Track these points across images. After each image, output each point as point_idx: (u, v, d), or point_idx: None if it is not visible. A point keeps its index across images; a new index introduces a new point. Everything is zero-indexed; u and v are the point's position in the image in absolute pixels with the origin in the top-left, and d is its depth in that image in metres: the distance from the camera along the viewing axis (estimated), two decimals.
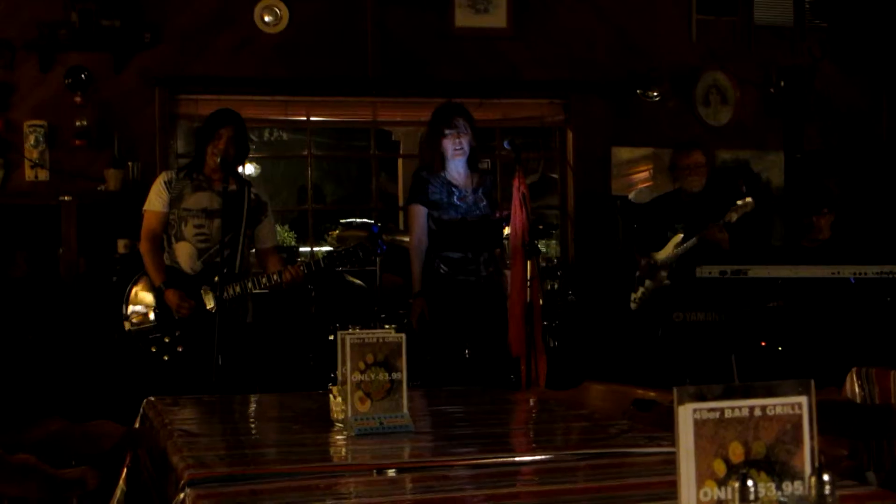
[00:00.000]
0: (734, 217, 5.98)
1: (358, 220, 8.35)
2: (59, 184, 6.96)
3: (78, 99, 7.02)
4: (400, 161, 8.41)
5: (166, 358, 4.98)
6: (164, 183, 5.14)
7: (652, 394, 3.48)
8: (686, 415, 1.38)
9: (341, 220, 8.22)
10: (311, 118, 7.70)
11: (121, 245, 6.80)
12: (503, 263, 5.78)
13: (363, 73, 7.48)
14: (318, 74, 7.42)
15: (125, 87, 7.17)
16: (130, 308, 5.09)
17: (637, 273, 6.38)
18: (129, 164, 7.03)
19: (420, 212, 5.48)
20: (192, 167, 5.22)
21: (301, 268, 5.03)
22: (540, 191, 8.75)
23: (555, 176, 8.20)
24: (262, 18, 7.34)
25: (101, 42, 7.00)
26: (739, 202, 6.08)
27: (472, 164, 5.54)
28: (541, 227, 7.09)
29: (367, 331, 2.82)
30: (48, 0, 7.03)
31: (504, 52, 7.69)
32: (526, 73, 7.70)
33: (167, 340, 4.98)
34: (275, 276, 4.96)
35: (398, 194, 8.37)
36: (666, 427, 2.21)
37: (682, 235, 6.16)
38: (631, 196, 7.66)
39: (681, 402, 1.38)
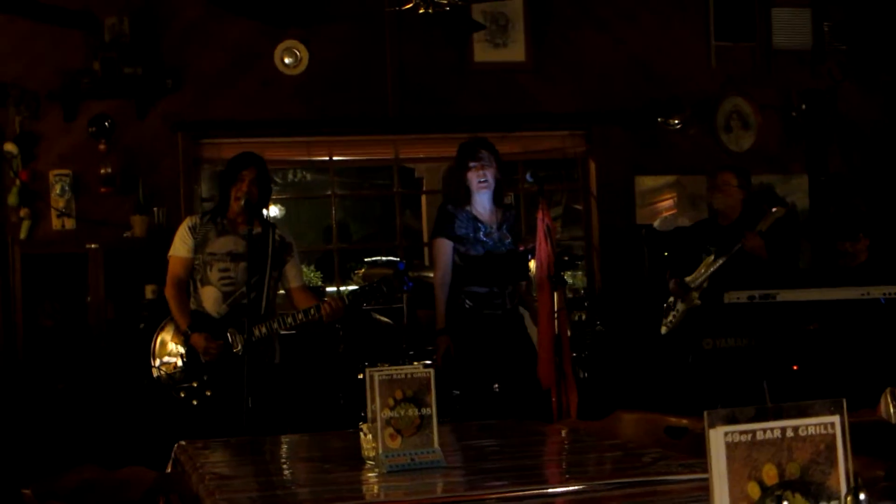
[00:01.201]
0: (766, 225, 5.94)
1: (383, 258, 8.38)
2: (85, 232, 7.01)
3: (102, 146, 7.06)
4: (423, 198, 8.47)
5: (195, 402, 4.96)
6: (189, 228, 5.14)
7: (684, 421, 3.44)
8: (718, 438, 1.37)
9: (366, 259, 8.28)
10: (334, 157, 7.70)
11: (148, 291, 6.82)
12: (529, 297, 5.76)
13: (384, 112, 7.51)
14: (339, 114, 7.45)
15: (148, 133, 7.21)
16: (158, 353, 5.08)
17: (669, 298, 6.31)
18: (155, 209, 7.07)
19: (446, 246, 5.48)
20: (216, 211, 5.22)
21: (343, 299, 5.03)
22: (564, 222, 8.79)
23: (578, 207, 8.17)
24: (283, 60, 7.36)
25: (124, 89, 7.06)
26: (773, 209, 6.08)
27: (497, 198, 5.55)
28: (566, 258, 7.13)
29: (396, 367, 2.81)
30: (70, 49, 7.09)
31: (524, 86, 7.70)
32: (546, 105, 7.71)
33: (195, 385, 4.96)
34: (312, 311, 4.95)
35: (422, 231, 8.40)
36: (699, 454, 2.19)
37: (713, 256, 6.10)
38: (656, 224, 7.63)
39: (712, 426, 1.36)
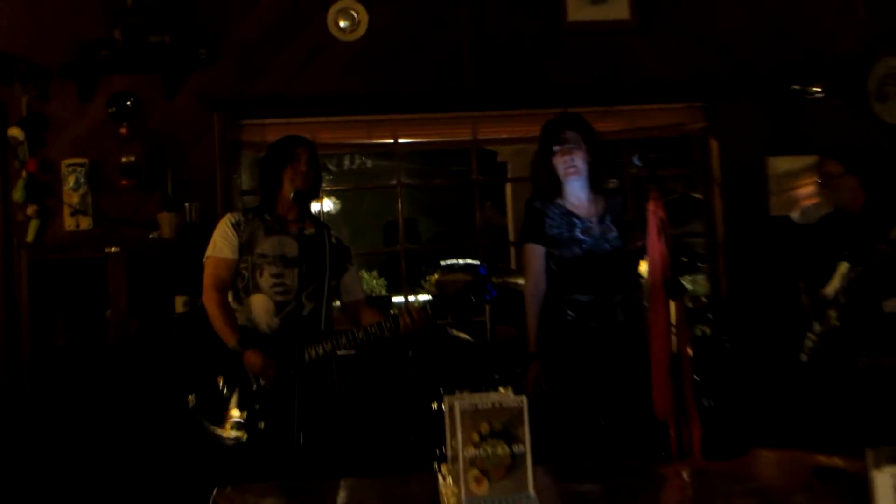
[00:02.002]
0: None
1: (461, 260, 8.38)
2: (104, 233, 7.06)
3: (124, 130, 7.12)
4: (508, 187, 8.41)
5: (244, 437, 4.96)
6: (232, 224, 5.21)
7: (837, 460, 3.36)
8: (884, 482, 1.34)
9: (441, 262, 8.28)
10: (399, 140, 7.72)
11: (179, 303, 6.86)
12: (642, 306, 5.82)
13: (459, 84, 7.51)
14: (405, 87, 7.45)
15: (178, 114, 7.28)
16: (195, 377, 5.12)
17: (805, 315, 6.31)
18: (186, 205, 7.12)
19: (536, 252, 5.52)
20: (261, 207, 5.29)
21: (426, 309, 5.05)
22: (681, 215, 8.67)
23: (698, 196, 8.09)
24: (337, 24, 7.41)
25: (149, 62, 7.12)
26: None
27: (594, 184, 5.56)
28: (685, 259, 7.04)
29: (480, 394, 2.81)
30: (86, 16, 7.17)
31: (628, 49, 7.66)
32: (656, 72, 7.66)
33: (245, 416, 4.97)
34: (388, 324, 5.00)
35: (508, 226, 8.35)
36: (858, 500, 2.13)
37: (848, 265, 6.10)
38: (794, 216, 7.59)
39: (877, 466, 1.33)
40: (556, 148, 5.48)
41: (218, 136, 7.31)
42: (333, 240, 5.27)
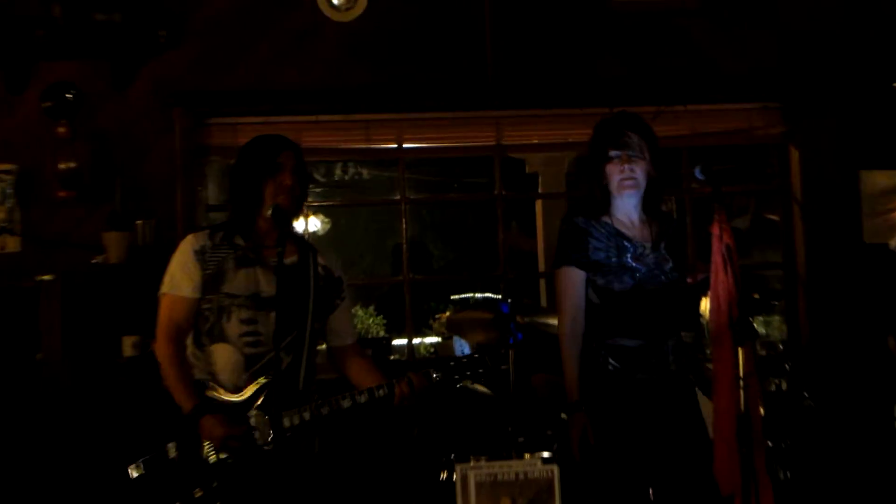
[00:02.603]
0: None
1: (479, 294, 8.36)
2: (35, 256, 6.98)
3: (62, 130, 7.01)
4: (539, 204, 8.31)
5: None
6: (195, 253, 5.01)
7: None
8: None
9: (453, 297, 8.28)
10: (405, 145, 7.66)
11: (127, 345, 6.79)
12: (702, 353, 5.81)
13: (480, 75, 7.46)
14: (412, 80, 7.43)
15: (131, 110, 7.21)
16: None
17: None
18: (139, 223, 7.03)
19: (576, 278, 5.31)
20: (233, 228, 5.10)
21: (429, 375, 4.99)
22: (753, 241, 8.62)
23: (774, 218, 8.08)
24: (330, 0, 7.33)
25: (96, 45, 7.05)
26: None
27: (649, 205, 5.40)
28: (756, 295, 7.04)
29: (501, 462, 2.52)
30: None
31: (690, 36, 7.63)
32: (724, 64, 7.63)
33: (198, 495, 4.77)
34: (380, 392, 4.91)
35: (538, 253, 8.27)
36: None
37: None
38: (893, 244, 7.47)
39: None
40: (613, 153, 5.28)
41: (180, 137, 7.24)
42: (321, 269, 5.13)
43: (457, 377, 5.07)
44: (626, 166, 5.25)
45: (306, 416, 4.81)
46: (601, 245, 5.29)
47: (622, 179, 5.26)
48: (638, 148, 5.28)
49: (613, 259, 5.28)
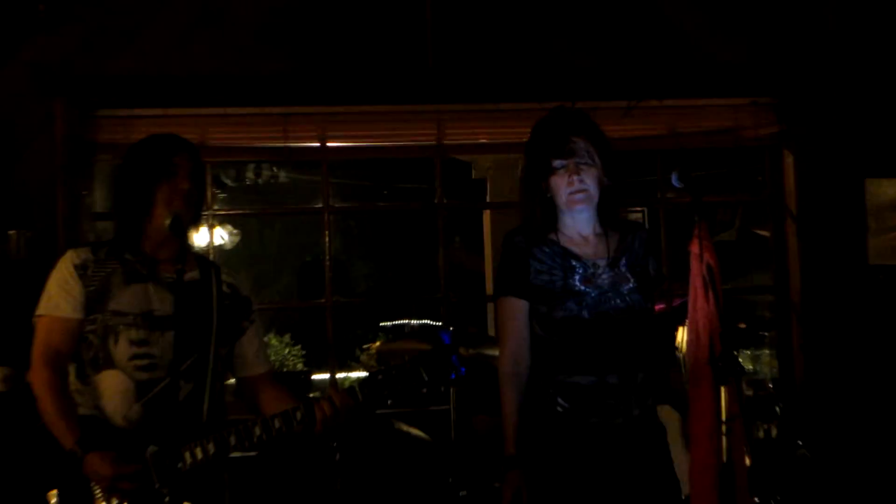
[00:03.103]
0: None
1: (414, 321, 8.47)
2: None
3: None
4: (487, 216, 8.34)
5: None
6: (76, 267, 4.93)
7: None
8: None
9: (384, 324, 8.31)
10: (329, 144, 7.68)
11: None
12: (673, 393, 5.83)
13: (420, 62, 7.44)
14: (338, 67, 7.41)
15: (3, 98, 7.16)
16: None
17: None
18: (11, 234, 7.03)
19: (516, 308, 5.22)
20: (120, 240, 5.03)
21: (355, 393, 4.85)
22: (740, 261, 8.64)
23: (764, 233, 8.11)
24: None
25: None
26: None
27: (605, 216, 5.28)
28: (743, 325, 7.20)
29: None
30: None
31: (667, 16, 7.62)
32: (708, 52, 7.63)
33: None
34: (299, 415, 4.77)
35: (485, 272, 8.31)
36: None
37: None
38: None
39: None
40: (557, 163, 5.14)
41: (61, 132, 7.17)
42: (226, 287, 5.09)
43: (386, 393, 4.88)
44: (575, 178, 5.14)
45: (210, 449, 4.69)
46: (544, 267, 5.21)
47: (571, 193, 5.15)
48: (586, 154, 5.16)
49: (558, 283, 5.17)
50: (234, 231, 9.23)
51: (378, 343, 7.37)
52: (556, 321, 5.13)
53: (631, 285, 5.19)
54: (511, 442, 5.09)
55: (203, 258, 5.23)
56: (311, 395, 5.14)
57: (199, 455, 4.68)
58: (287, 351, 8.94)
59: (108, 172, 7.50)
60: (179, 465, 4.64)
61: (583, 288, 5.14)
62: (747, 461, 5.36)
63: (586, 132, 5.19)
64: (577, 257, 5.18)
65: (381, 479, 6.62)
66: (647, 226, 7.54)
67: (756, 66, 7.60)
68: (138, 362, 4.80)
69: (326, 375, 7.66)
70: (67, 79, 7.12)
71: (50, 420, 4.72)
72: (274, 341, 8.71)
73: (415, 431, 6.85)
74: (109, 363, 4.82)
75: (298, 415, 4.74)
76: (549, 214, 5.25)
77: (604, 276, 5.17)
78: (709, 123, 7.77)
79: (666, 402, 5.63)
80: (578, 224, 5.22)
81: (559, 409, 5.10)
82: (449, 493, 6.23)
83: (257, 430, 4.72)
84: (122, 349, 4.81)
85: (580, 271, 5.16)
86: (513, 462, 5.08)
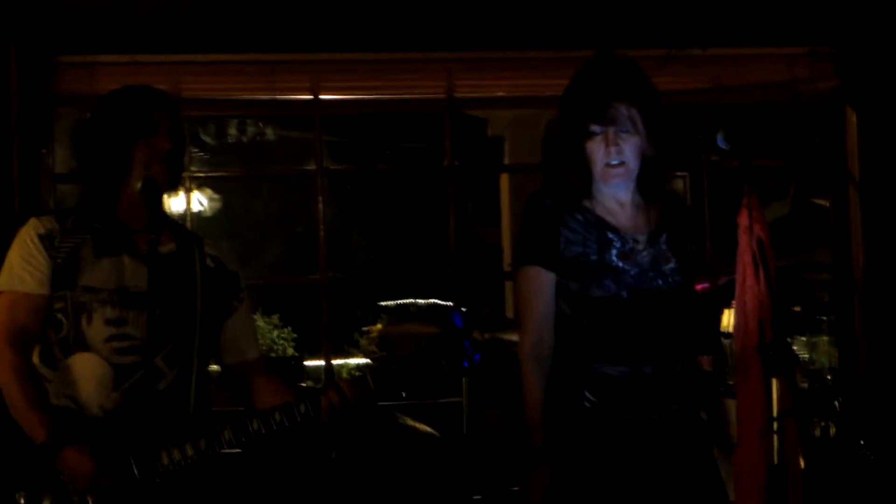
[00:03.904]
0: None
1: (420, 300, 8.40)
2: None
3: None
4: (504, 179, 8.17)
5: None
6: (41, 237, 4.77)
7: None
8: None
9: (386, 304, 8.15)
10: (322, 96, 7.65)
11: None
12: (721, 383, 5.68)
13: (426, 5, 7.46)
14: (333, 8, 7.41)
15: None
16: None
17: None
18: None
19: (542, 282, 5.00)
20: (89, 207, 4.86)
21: (367, 381, 4.71)
22: (795, 234, 8.32)
23: (823, 203, 8.17)
24: None
25: None
26: None
27: (647, 186, 5.06)
28: (798, 308, 7.19)
29: None
30: None
31: None
32: None
33: None
34: (302, 407, 4.60)
35: (503, 244, 8.10)
36: None
37: None
38: None
39: None
40: (595, 128, 4.86)
41: (16, 81, 7.21)
42: (210, 261, 4.90)
43: (401, 382, 4.74)
44: (613, 148, 4.89)
45: (200, 445, 4.53)
46: (577, 238, 4.97)
47: (606, 164, 4.92)
48: (628, 121, 4.88)
49: (593, 256, 4.95)
50: (215, 196, 9.09)
51: (379, 325, 7.38)
52: (591, 301, 4.91)
53: (672, 265, 5.00)
54: (538, 432, 4.89)
55: (182, 227, 5.14)
56: (303, 384, 4.76)
57: (189, 452, 4.51)
58: (275, 334, 8.97)
59: (71, 128, 7.55)
60: (166, 461, 4.47)
61: (621, 265, 4.92)
62: (801, 463, 5.47)
63: (631, 94, 4.91)
64: (615, 229, 4.98)
65: (383, 481, 6.67)
66: (689, 192, 7.47)
67: (814, 9, 7.47)
68: (116, 344, 4.65)
69: (320, 362, 7.47)
70: (21, 19, 7.16)
71: (18, 410, 4.58)
72: (261, 322, 8.66)
73: (422, 427, 6.89)
74: (82, 345, 4.66)
75: (302, 407, 4.59)
76: (584, 182, 5.00)
77: (644, 253, 4.98)
78: (759, 76, 7.75)
79: None
80: (615, 192, 5.02)
81: (587, 404, 4.89)
82: (461, 497, 6.35)
83: (255, 425, 4.58)
84: (96, 329, 4.66)
85: (618, 245, 4.95)
86: (540, 454, 4.88)
